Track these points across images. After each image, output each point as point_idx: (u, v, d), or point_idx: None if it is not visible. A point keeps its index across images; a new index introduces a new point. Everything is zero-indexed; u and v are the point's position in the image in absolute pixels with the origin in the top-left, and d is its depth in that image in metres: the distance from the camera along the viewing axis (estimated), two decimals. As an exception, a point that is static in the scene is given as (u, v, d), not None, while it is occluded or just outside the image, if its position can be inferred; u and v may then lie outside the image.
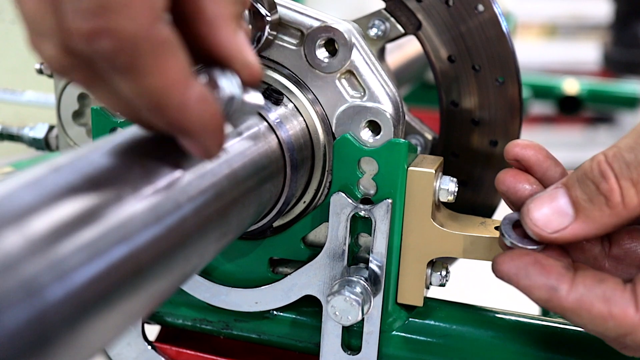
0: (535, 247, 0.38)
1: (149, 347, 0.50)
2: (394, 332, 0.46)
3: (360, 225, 0.45)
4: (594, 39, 3.17)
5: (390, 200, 0.43)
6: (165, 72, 0.27)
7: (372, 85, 0.43)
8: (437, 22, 0.47)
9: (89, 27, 0.25)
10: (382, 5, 0.49)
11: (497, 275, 0.38)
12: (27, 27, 0.27)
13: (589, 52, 2.80)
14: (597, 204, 0.35)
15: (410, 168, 0.43)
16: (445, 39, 0.48)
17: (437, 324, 0.47)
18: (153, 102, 0.28)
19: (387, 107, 0.42)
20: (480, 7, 0.46)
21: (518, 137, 0.49)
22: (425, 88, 1.07)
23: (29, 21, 0.26)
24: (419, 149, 0.53)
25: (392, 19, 0.49)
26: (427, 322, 0.47)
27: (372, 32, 0.49)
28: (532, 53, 3.07)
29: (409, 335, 0.46)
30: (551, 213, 0.37)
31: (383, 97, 0.43)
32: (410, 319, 0.47)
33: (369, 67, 0.43)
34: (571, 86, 1.40)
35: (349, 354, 0.46)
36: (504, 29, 0.46)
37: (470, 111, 0.49)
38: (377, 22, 0.49)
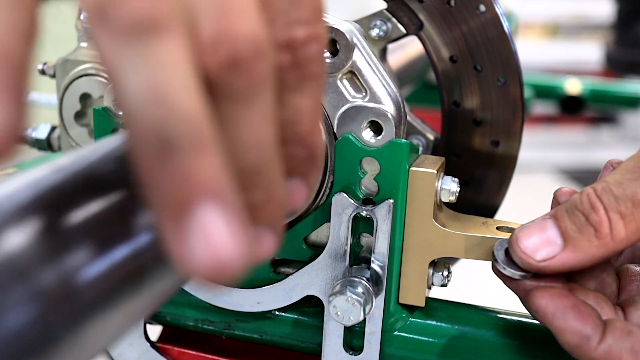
0: (524, 274, 0.39)
1: (151, 347, 0.50)
2: (395, 333, 0.46)
3: (362, 225, 0.45)
4: (596, 38, 3.16)
5: (392, 201, 0.43)
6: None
7: (374, 86, 0.43)
8: (439, 23, 0.47)
9: (305, 34, 0.26)
10: (384, 5, 0.49)
11: (529, 307, 0.38)
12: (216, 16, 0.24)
13: (591, 52, 2.80)
14: (585, 235, 0.36)
15: (412, 168, 0.43)
16: (446, 39, 0.48)
17: (439, 324, 0.47)
18: (315, 117, 0.28)
19: (389, 108, 0.43)
20: (482, 8, 0.46)
21: (520, 138, 0.49)
22: (427, 88, 1.07)
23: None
24: (420, 149, 0.53)
25: (394, 20, 0.49)
26: (429, 322, 0.47)
27: (374, 32, 0.49)
28: (534, 53, 3.07)
29: (411, 336, 0.46)
30: (540, 242, 0.37)
31: (385, 98, 0.43)
32: (412, 319, 0.47)
33: (371, 68, 0.43)
34: (573, 86, 1.40)
35: (351, 354, 0.46)
36: (505, 29, 0.46)
37: (471, 111, 0.49)
38: (378, 22, 0.49)
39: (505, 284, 0.41)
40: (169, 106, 0.21)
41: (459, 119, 0.50)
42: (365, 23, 0.49)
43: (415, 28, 0.48)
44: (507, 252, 0.40)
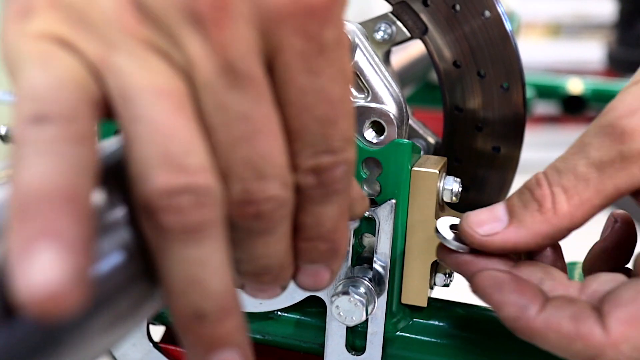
0: (464, 247, 0.38)
1: (154, 347, 0.50)
2: (398, 333, 0.47)
3: (364, 225, 0.45)
4: (598, 38, 3.16)
5: (394, 201, 0.43)
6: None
7: (376, 86, 0.43)
8: (443, 27, 0.47)
9: (331, 161, 0.27)
10: (388, 8, 0.49)
11: (473, 289, 0.37)
12: (246, 175, 0.26)
13: (593, 51, 2.79)
14: (529, 210, 0.36)
15: (414, 168, 0.43)
16: (450, 43, 0.47)
17: (441, 324, 0.47)
18: (339, 220, 0.29)
19: (391, 108, 0.43)
20: (487, 13, 0.46)
21: (522, 142, 0.49)
22: (429, 88, 1.07)
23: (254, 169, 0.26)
24: (421, 152, 0.53)
25: (399, 23, 0.48)
26: (431, 322, 0.47)
27: (378, 35, 0.49)
28: (536, 52, 3.07)
29: (414, 336, 0.46)
30: (486, 218, 0.37)
31: (387, 98, 0.43)
32: (414, 320, 0.47)
33: (373, 68, 0.43)
34: (575, 86, 1.40)
35: (353, 355, 0.46)
36: (509, 34, 0.46)
37: (474, 117, 0.49)
38: (383, 25, 0.49)
39: (453, 268, 0.40)
40: (205, 291, 0.25)
41: (461, 123, 0.49)
42: (369, 26, 0.49)
43: (419, 32, 0.48)
44: (452, 228, 0.39)
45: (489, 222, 0.37)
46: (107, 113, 0.25)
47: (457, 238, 0.39)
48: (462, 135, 0.50)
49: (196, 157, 0.24)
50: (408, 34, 0.49)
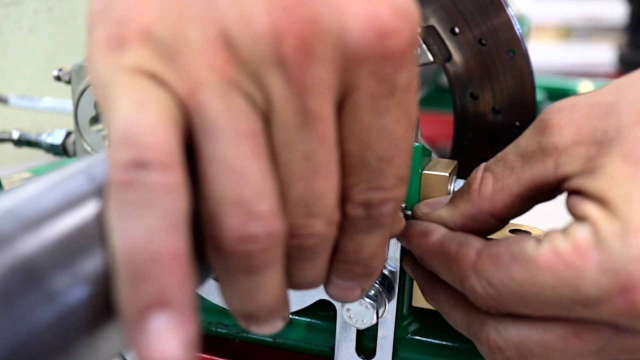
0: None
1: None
2: (409, 336, 0.47)
3: (374, 229, 0.45)
4: (609, 41, 3.15)
5: (404, 204, 0.43)
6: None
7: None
8: (467, 59, 0.47)
9: (382, 197, 0.28)
10: None
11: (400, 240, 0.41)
12: (296, 211, 0.27)
13: (604, 54, 2.78)
14: (461, 192, 0.38)
15: (425, 171, 0.43)
16: (471, 76, 0.47)
17: (452, 327, 0.47)
18: (378, 250, 0.30)
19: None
20: (512, 52, 0.46)
21: None
22: (439, 92, 1.07)
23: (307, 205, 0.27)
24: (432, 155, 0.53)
25: (424, 46, 0.48)
26: (442, 325, 0.47)
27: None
28: (547, 55, 3.06)
29: (424, 339, 0.46)
30: (433, 202, 0.40)
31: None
32: (425, 323, 0.47)
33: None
34: (587, 88, 1.39)
35: (363, 358, 0.46)
36: (530, 77, 0.46)
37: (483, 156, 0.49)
38: None
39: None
40: (257, 304, 0.28)
41: (469, 157, 0.49)
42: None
43: (443, 58, 0.47)
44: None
45: (433, 204, 0.40)
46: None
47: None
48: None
49: (267, 203, 0.25)
50: (431, 58, 0.48)
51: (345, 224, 0.29)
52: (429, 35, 0.48)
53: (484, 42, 0.46)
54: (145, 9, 0.25)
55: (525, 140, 0.36)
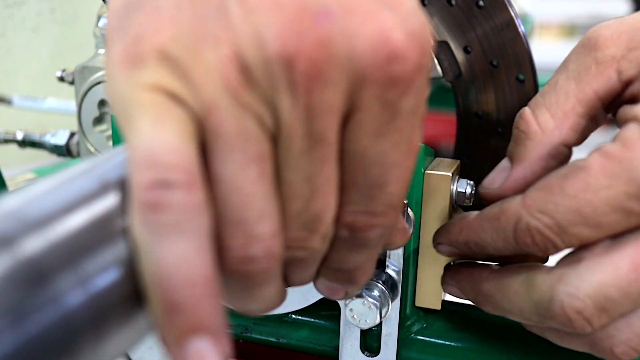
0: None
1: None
2: (412, 335, 0.47)
3: (377, 228, 0.45)
4: (613, 38, 3.13)
5: (407, 203, 0.43)
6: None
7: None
8: (477, 79, 0.47)
9: (368, 223, 0.28)
10: None
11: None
12: (292, 226, 0.28)
13: (608, 52, 2.77)
14: (520, 142, 0.37)
15: (427, 171, 0.43)
16: (479, 96, 0.47)
17: (455, 327, 0.47)
18: (365, 266, 0.31)
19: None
20: (522, 77, 0.45)
21: None
22: (442, 91, 1.07)
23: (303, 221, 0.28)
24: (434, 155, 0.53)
25: (435, 60, 0.48)
26: (445, 325, 0.47)
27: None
28: (550, 53, 3.05)
29: (428, 339, 0.46)
30: (494, 174, 0.39)
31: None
32: (428, 322, 0.47)
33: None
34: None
35: (368, 356, 0.46)
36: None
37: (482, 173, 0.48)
38: None
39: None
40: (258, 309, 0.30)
41: (472, 172, 0.49)
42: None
43: (452, 75, 0.47)
44: None
45: (497, 176, 0.39)
46: None
47: None
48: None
49: (268, 224, 0.26)
50: (440, 74, 0.48)
51: (333, 239, 0.29)
52: (442, 50, 0.47)
53: (494, 62, 0.46)
54: (161, 26, 0.25)
55: (575, 61, 0.36)
